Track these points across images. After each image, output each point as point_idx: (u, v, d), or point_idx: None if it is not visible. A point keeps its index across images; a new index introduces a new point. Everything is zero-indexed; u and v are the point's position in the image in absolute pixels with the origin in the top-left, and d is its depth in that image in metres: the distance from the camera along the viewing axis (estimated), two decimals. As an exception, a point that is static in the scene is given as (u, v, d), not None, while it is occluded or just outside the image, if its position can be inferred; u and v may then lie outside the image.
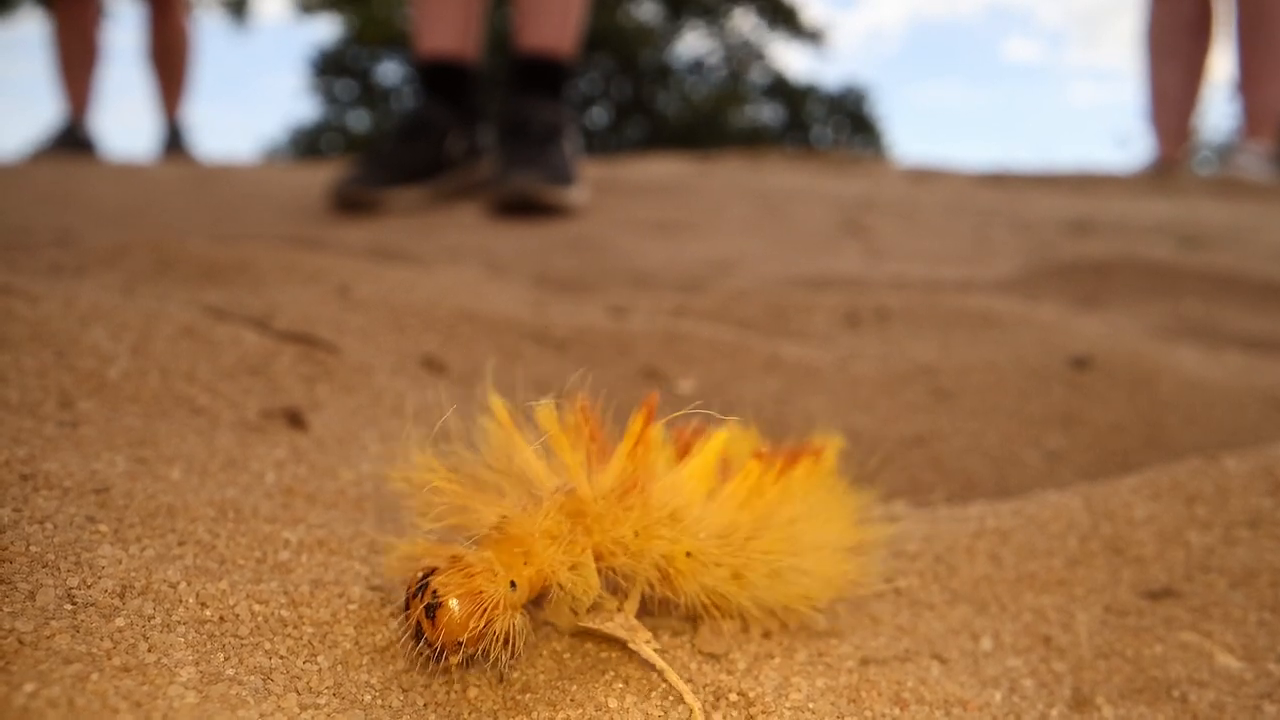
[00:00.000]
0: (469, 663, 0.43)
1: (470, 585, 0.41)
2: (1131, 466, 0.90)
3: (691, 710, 0.42)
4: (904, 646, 0.52)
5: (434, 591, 0.41)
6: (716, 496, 0.49)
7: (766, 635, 0.51)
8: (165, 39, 3.75)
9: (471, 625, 0.41)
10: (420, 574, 0.42)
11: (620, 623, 0.46)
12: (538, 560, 0.43)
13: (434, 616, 0.40)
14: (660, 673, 0.44)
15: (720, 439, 0.50)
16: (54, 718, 0.34)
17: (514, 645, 0.42)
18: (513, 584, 0.42)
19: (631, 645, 0.45)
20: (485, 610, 0.41)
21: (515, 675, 0.45)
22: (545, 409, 0.46)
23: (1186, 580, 0.59)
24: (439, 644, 0.41)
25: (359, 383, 0.82)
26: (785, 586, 0.49)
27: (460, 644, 0.41)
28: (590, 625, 0.46)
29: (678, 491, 0.47)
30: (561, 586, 0.45)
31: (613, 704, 0.42)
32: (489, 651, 0.42)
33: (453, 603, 0.40)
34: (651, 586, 0.47)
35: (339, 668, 0.43)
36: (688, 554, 0.46)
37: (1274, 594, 0.56)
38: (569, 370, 1.03)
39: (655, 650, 0.45)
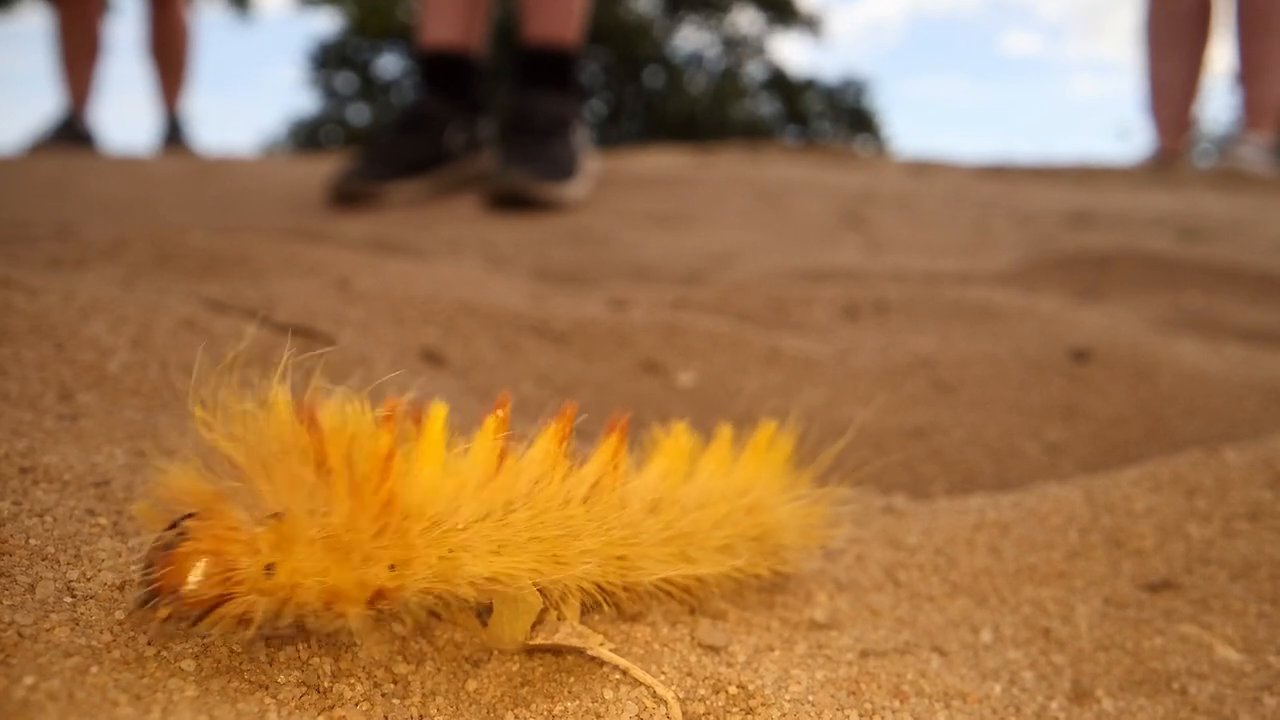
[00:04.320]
0: (181, 624, 0.38)
1: (224, 545, 0.37)
2: (1132, 459, 0.90)
3: (666, 702, 0.42)
4: (904, 639, 0.52)
5: (181, 533, 0.37)
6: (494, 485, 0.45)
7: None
8: (165, 31, 3.74)
9: (202, 584, 0.37)
10: (185, 514, 0.38)
11: (568, 632, 0.45)
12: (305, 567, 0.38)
13: (169, 558, 0.37)
14: (626, 671, 0.44)
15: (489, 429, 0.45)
16: (54, 711, 0.34)
17: (251, 627, 0.38)
18: (269, 568, 0.38)
19: (590, 652, 0.44)
20: (225, 577, 0.37)
21: (515, 669, 0.45)
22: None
23: (1186, 573, 0.59)
24: (160, 586, 0.36)
25: (359, 375, 0.82)
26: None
27: (178, 596, 0.36)
28: (539, 643, 0.45)
29: (437, 496, 0.42)
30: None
31: (608, 695, 0.43)
32: (217, 626, 0.37)
33: (194, 556, 0.36)
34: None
35: (340, 660, 0.43)
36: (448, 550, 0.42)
37: (1274, 586, 0.56)
38: (569, 363, 1.03)
39: (612, 650, 0.45)
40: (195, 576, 0.36)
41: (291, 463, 0.39)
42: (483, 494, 0.43)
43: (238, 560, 0.37)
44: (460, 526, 0.42)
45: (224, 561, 0.37)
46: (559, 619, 0.46)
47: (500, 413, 0.44)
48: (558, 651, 0.46)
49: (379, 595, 0.40)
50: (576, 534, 0.45)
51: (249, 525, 0.38)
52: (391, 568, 0.40)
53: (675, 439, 0.53)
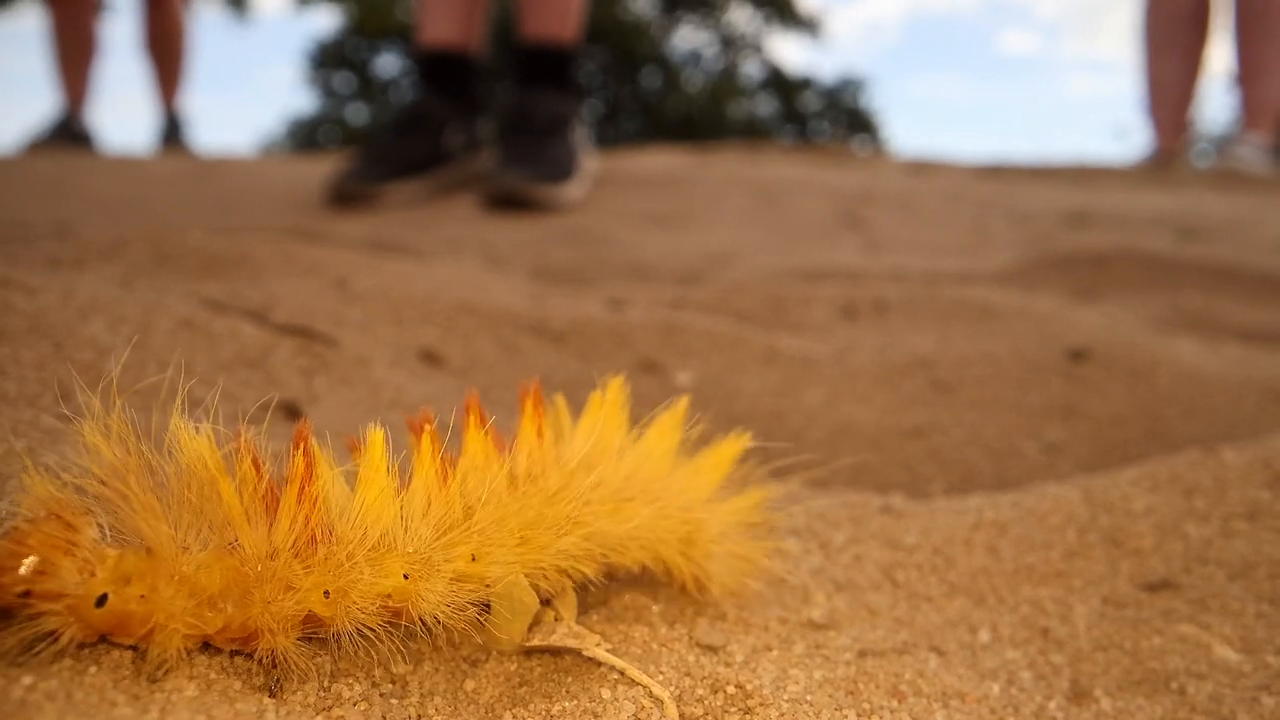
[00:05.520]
0: None
1: (54, 554, 0.35)
2: (1130, 458, 0.90)
3: (663, 702, 0.42)
4: (902, 639, 0.52)
5: (15, 532, 0.35)
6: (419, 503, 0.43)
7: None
8: (161, 28, 3.75)
9: (16, 584, 0.35)
10: (43, 514, 0.36)
11: (565, 632, 0.45)
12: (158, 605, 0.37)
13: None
14: (622, 671, 0.44)
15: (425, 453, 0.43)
16: (52, 711, 0.34)
17: (55, 648, 0.36)
18: (103, 598, 0.36)
19: (586, 653, 0.44)
20: (48, 589, 0.35)
21: (513, 669, 0.45)
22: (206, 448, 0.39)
23: (1185, 572, 0.59)
24: None
25: (357, 375, 0.82)
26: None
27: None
28: (536, 644, 0.45)
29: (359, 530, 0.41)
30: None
31: (606, 694, 0.43)
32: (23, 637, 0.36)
33: (22, 553, 0.35)
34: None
35: (341, 661, 0.43)
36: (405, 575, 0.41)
37: (1272, 586, 0.57)
38: (567, 362, 1.03)
39: (608, 650, 0.45)
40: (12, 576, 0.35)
41: (150, 492, 0.38)
42: (434, 510, 0.42)
43: (62, 574, 0.35)
44: (410, 549, 0.41)
45: (47, 571, 0.35)
46: (555, 619, 0.46)
47: (428, 427, 0.43)
48: (555, 652, 0.45)
49: (313, 619, 0.40)
50: (541, 516, 0.44)
51: (95, 546, 0.36)
52: (326, 594, 0.39)
53: (612, 392, 0.50)
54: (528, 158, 2.30)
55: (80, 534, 0.36)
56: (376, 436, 0.41)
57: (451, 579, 0.42)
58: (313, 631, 0.41)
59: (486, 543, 0.43)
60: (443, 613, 0.42)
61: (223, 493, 0.38)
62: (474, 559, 0.43)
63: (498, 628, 0.44)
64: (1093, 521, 0.63)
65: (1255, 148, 3.17)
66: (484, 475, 0.44)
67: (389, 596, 0.41)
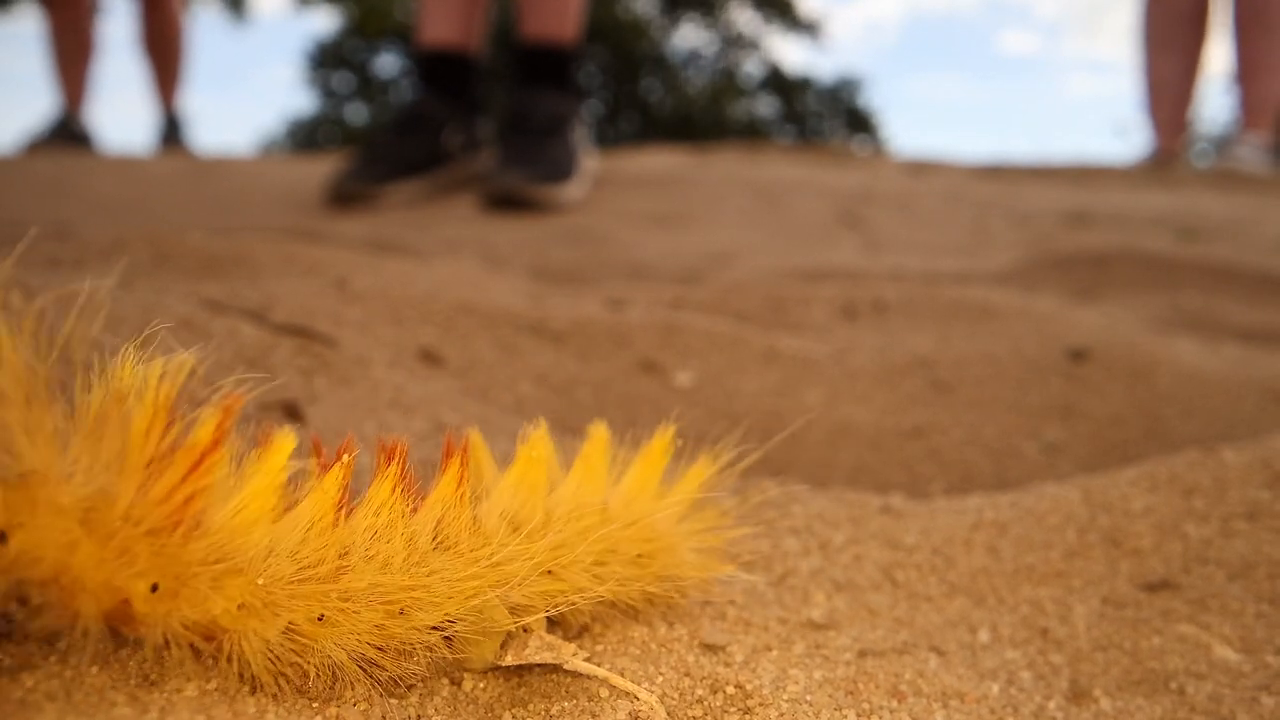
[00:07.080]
0: None
1: None
2: (1130, 458, 0.90)
3: (652, 706, 0.42)
4: (902, 639, 0.52)
5: None
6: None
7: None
8: (158, 27, 3.75)
9: None
10: None
11: (538, 645, 0.43)
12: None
13: None
14: (604, 680, 0.43)
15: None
16: (52, 711, 0.34)
17: None
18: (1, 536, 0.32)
19: (566, 665, 0.43)
20: None
21: (512, 669, 0.45)
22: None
23: (1184, 572, 0.59)
24: None
25: (357, 375, 0.82)
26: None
27: None
28: (510, 662, 0.43)
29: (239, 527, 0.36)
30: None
31: (604, 694, 0.43)
32: None
33: None
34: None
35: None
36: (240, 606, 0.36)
37: (1271, 586, 0.57)
38: (566, 362, 1.03)
39: (585, 660, 0.44)
40: None
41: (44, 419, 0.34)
42: (306, 547, 0.38)
43: None
44: (260, 580, 0.36)
45: None
46: (524, 630, 0.44)
47: (347, 458, 0.39)
48: (530, 669, 0.45)
49: (124, 611, 0.35)
50: (426, 586, 0.40)
51: None
52: (154, 588, 0.34)
53: (534, 446, 0.46)
54: (527, 158, 2.30)
55: None
56: (284, 440, 0.38)
57: (287, 630, 0.37)
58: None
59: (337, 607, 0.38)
60: (260, 663, 0.37)
61: (117, 432, 0.34)
62: (321, 619, 0.38)
63: (466, 648, 0.43)
64: (1092, 521, 0.63)
65: (1255, 147, 3.17)
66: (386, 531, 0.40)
67: (213, 622, 0.36)
